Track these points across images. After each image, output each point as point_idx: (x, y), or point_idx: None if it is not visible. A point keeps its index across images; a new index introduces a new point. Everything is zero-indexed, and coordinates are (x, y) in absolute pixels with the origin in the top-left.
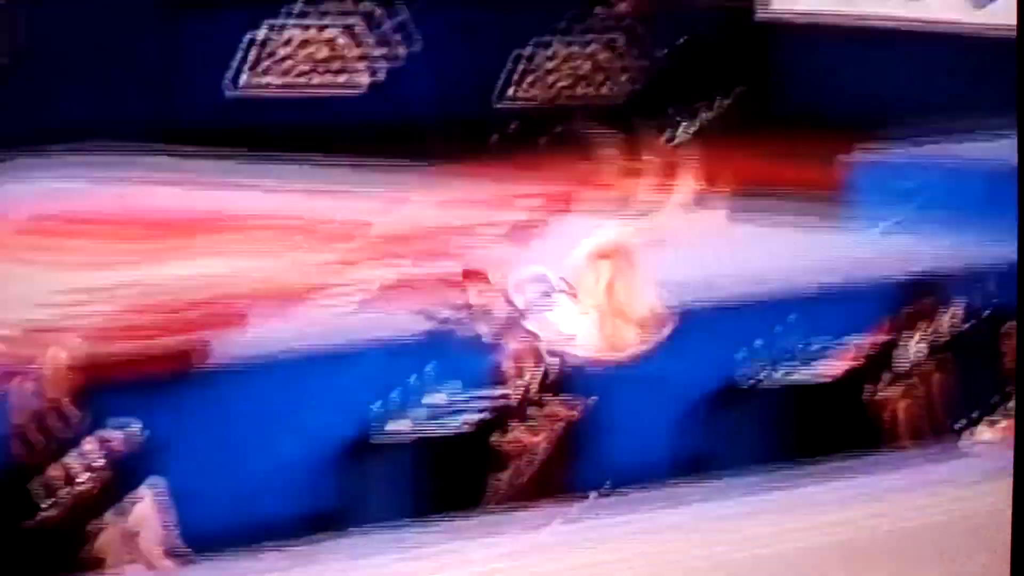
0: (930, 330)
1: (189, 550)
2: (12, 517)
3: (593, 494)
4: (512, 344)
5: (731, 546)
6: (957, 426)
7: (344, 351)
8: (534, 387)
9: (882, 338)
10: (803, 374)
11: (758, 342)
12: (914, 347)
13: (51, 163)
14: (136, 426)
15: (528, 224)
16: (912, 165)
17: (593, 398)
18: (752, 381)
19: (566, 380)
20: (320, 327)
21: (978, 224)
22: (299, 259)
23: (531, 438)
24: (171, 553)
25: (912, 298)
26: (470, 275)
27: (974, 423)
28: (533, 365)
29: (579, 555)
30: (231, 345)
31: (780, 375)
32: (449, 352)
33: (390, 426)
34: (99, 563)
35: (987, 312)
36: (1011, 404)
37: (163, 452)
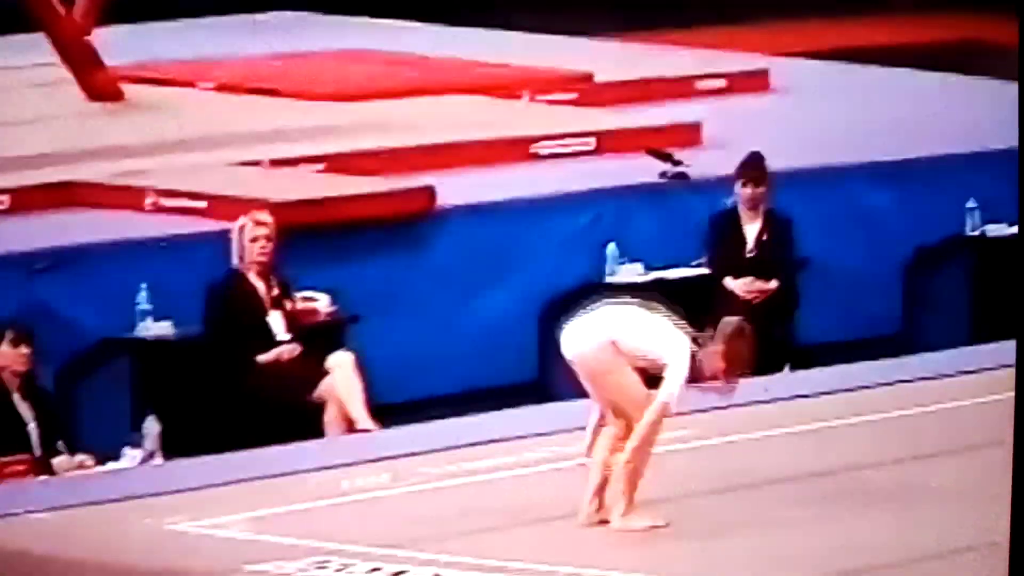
0: None
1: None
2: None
3: None
4: None
5: None
6: None
7: (566, 201)
8: None
9: None
10: None
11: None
12: None
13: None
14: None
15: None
16: None
17: None
18: (977, 233)
19: None
20: (545, 176)
21: None
22: (523, 108)
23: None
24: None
25: None
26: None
27: None
28: None
29: None
30: (456, 191)
31: (999, 230)
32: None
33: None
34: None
35: None
36: None
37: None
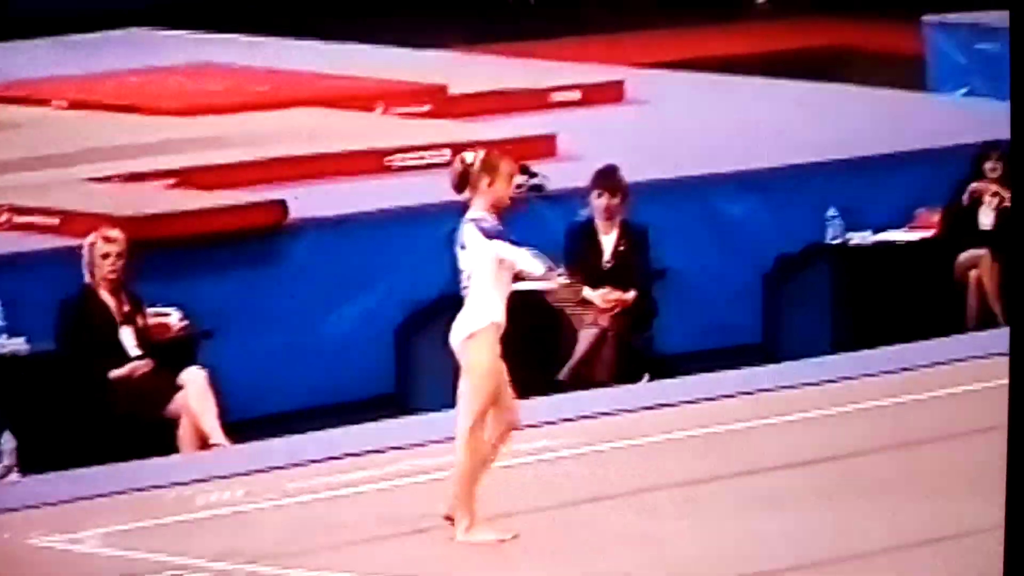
0: (998, 201)
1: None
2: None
3: None
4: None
5: None
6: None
7: (421, 214)
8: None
9: (961, 204)
10: (887, 238)
11: (840, 205)
12: (989, 213)
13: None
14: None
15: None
16: (995, 29)
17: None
18: (837, 242)
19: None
20: (398, 189)
21: None
22: (376, 120)
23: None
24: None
25: (989, 159)
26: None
27: None
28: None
29: None
30: (307, 205)
31: (861, 239)
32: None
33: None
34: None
35: None
36: None
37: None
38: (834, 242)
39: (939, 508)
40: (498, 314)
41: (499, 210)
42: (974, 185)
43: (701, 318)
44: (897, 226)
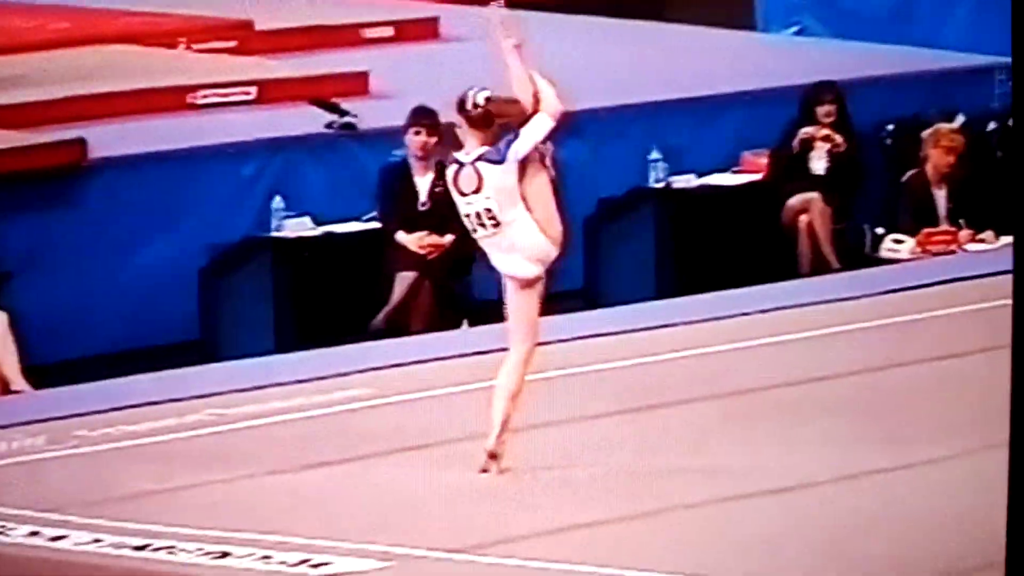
0: (830, 146)
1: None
2: None
3: None
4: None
5: None
6: (850, 240)
7: (225, 152)
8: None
9: (793, 146)
10: (712, 181)
11: (667, 146)
12: (820, 158)
13: None
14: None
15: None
16: None
17: None
18: (661, 185)
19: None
20: (202, 127)
21: (897, 30)
22: (179, 57)
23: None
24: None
25: (822, 104)
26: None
27: (874, 238)
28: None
29: None
30: (109, 143)
31: (686, 182)
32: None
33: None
34: None
35: (890, 127)
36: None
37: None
38: (657, 185)
39: None
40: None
41: (496, 139)
42: (806, 130)
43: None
44: (723, 169)
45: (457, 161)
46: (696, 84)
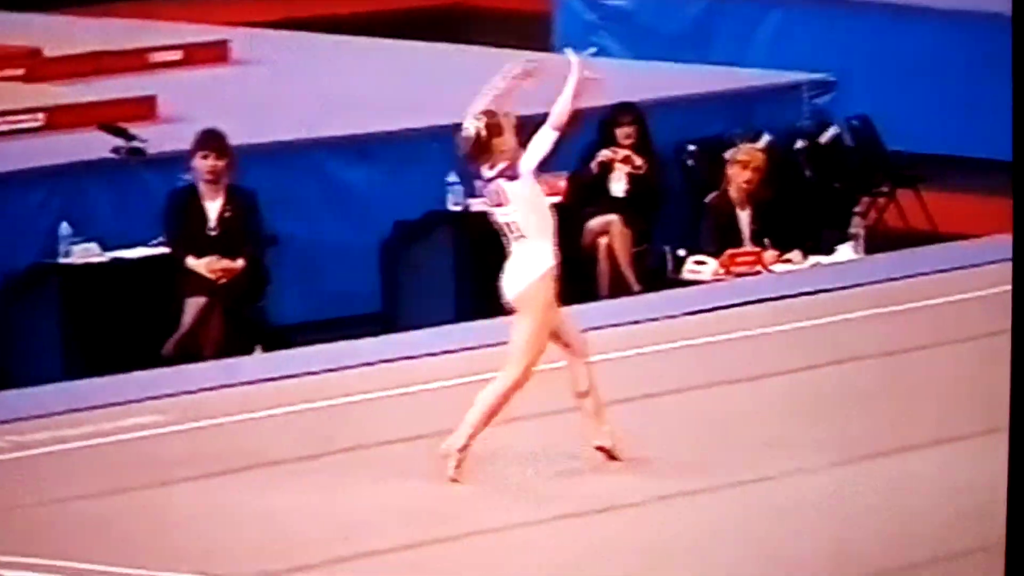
0: (629, 168)
1: None
2: None
3: None
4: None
5: None
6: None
7: (19, 179)
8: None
9: (592, 168)
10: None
11: (464, 169)
12: (620, 180)
13: None
14: None
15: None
16: None
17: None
18: (459, 208)
19: None
20: None
21: (699, 49)
22: None
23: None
24: None
25: (621, 126)
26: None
27: (676, 260)
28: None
29: None
30: None
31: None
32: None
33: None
34: None
35: (692, 147)
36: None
37: None
38: (455, 208)
39: None
40: (551, 257)
41: (515, 159)
42: (604, 152)
43: (317, 287)
44: None
45: (482, 177)
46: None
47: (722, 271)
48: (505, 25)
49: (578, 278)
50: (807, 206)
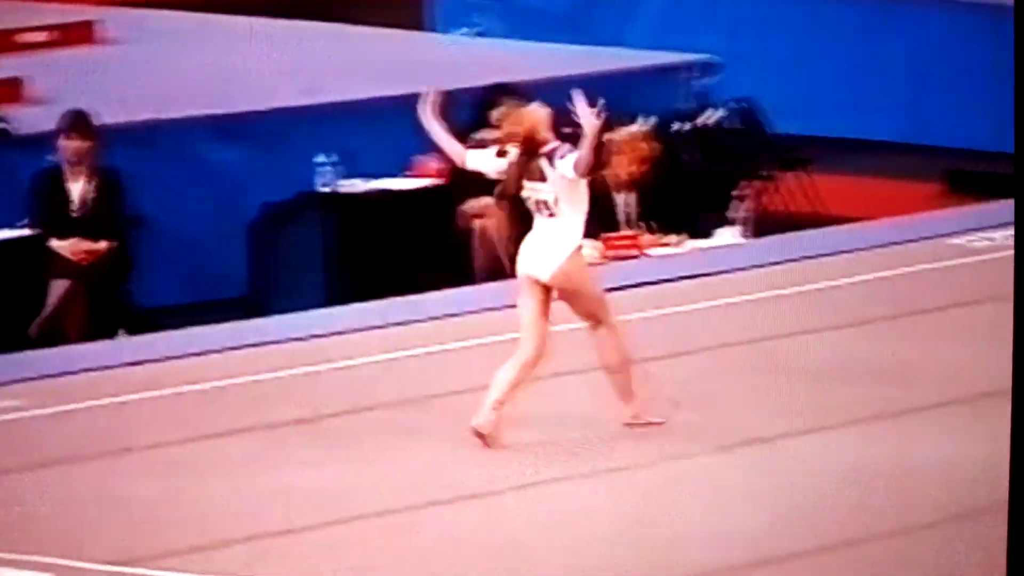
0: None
1: None
2: None
3: None
4: None
5: None
6: None
7: None
8: None
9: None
10: (382, 185)
11: (322, 159)
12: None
13: None
14: None
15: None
16: None
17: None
18: (329, 190)
19: None
20: None
21: (581, 29)
22: None
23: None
24: None
25: (494, 107)
26: None
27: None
28: None
29: None
30: None
31: (353, 186)
32: None
33: None
34: None
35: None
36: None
37: None
38: (325, 189)
39: None
40: (580, 235)
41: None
42: (481, 133)
43: (183, 269)
44: (394, 173)
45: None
46: (368, 86)
47: (598, 254)
48: (381, 4)
49: (455, 260)
50: (686, 189)
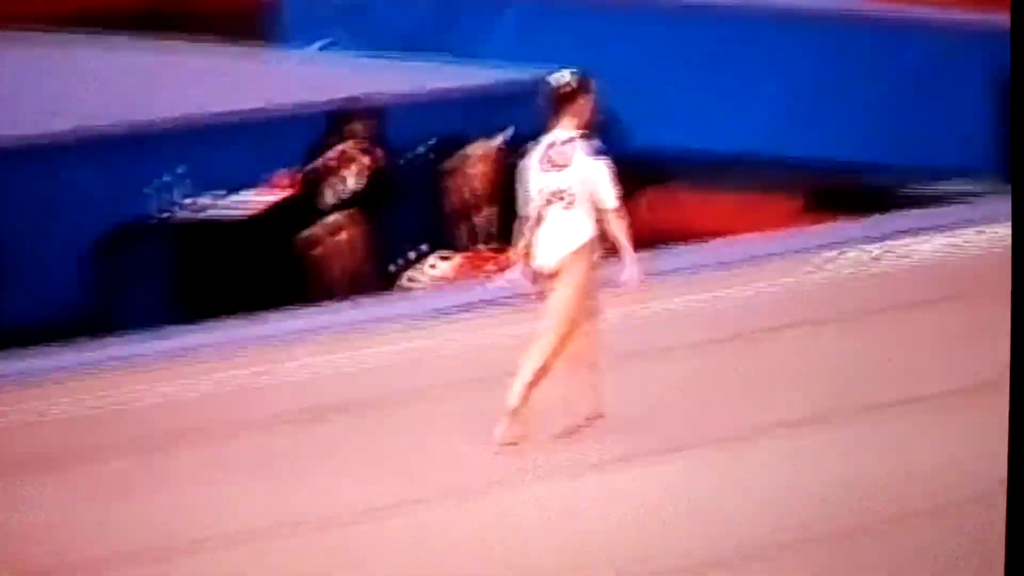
0: (365, 164)
1: None
2: None
3: None
4: None
5: None
6: (394, 267)
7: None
8: None
9: (312, 171)
10: (222, 210)
11: (169, 175)
12: (350, 181)
13: None
14: None
15: None
16: None
17: None
18: (163, 216)
19: None
20: None
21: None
22: None
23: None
24: None
25: (356, 121)
26: None
27: (415, 261)
28: None
29: None
30: None
31: (194, 211)
32: None
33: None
34: None
35: (431, 143)
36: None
37: None
38: (174, 208)
39: None
40: (593, 227)
41: (589, 128)
42: (340, 147)
43: (26, 290)
44: (249, 188)
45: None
46: (219, 101)
47: (458, 272)
48: (229, 18)
49: (306, 277)
50: None
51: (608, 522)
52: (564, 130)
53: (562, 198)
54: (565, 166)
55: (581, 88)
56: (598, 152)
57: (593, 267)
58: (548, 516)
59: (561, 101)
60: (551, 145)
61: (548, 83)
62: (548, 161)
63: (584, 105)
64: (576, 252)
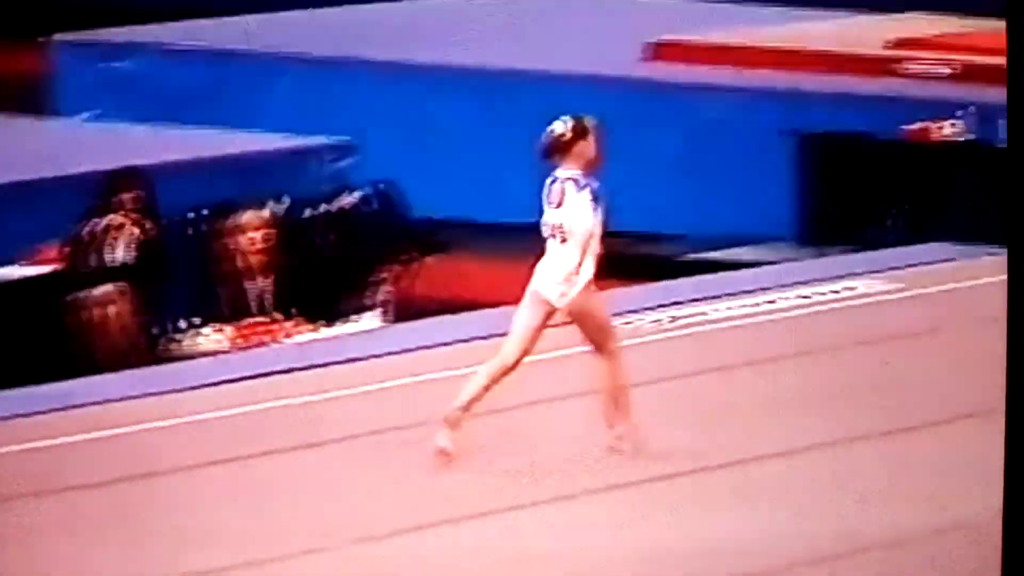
0: (134, 234)
1: None
2: None
3: None
4: None
5: None
6: (164, 339)
7: None
8: None
9: (93, 235)
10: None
11: None
12: (119, 253)
13: None
14: None
15: None
16: (125, 50)
17: None
18: None
19: None
20: None
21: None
22: None
23: None
24: None
25: (125, 191)
26: None
27: (188, 329)
28: None
29: None
30: None
31: None
32: None
33: None
34: None
35: (202, 212)
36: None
37: None
38: None
39: None
40: (593, 264)
41: (591, 168)
42: (107, 218)
43: None
44: (13, 262)
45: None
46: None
47: (236, 341)
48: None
49: (78, 350)
50: (321, 274)
51: (616, 549)
52: (565, 169)
53: (554, 235)
54: (560, 204)
55: (577, 135)
56: (593, 192)
57: (598, 296)
58: (554, 542)
59: (560, 149)
60: (553, 182)
61: (547, 134)
62: (548, 198)
63: (585, 148)
64: (581, 292)
